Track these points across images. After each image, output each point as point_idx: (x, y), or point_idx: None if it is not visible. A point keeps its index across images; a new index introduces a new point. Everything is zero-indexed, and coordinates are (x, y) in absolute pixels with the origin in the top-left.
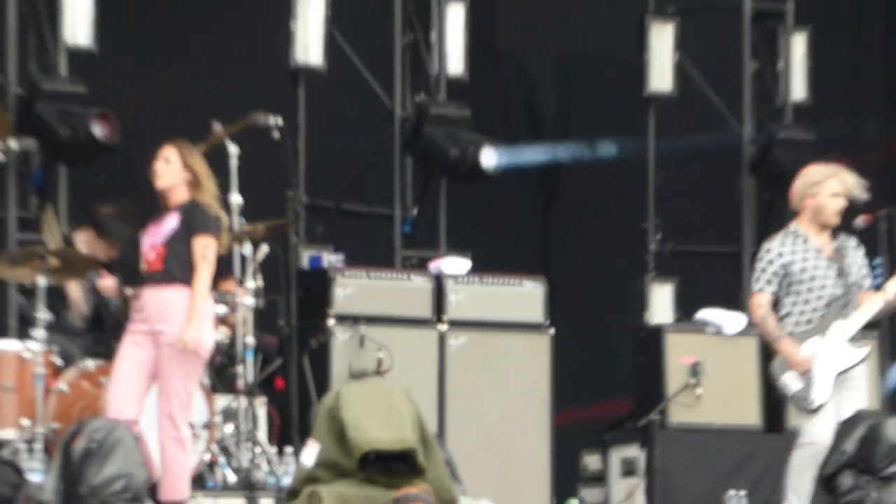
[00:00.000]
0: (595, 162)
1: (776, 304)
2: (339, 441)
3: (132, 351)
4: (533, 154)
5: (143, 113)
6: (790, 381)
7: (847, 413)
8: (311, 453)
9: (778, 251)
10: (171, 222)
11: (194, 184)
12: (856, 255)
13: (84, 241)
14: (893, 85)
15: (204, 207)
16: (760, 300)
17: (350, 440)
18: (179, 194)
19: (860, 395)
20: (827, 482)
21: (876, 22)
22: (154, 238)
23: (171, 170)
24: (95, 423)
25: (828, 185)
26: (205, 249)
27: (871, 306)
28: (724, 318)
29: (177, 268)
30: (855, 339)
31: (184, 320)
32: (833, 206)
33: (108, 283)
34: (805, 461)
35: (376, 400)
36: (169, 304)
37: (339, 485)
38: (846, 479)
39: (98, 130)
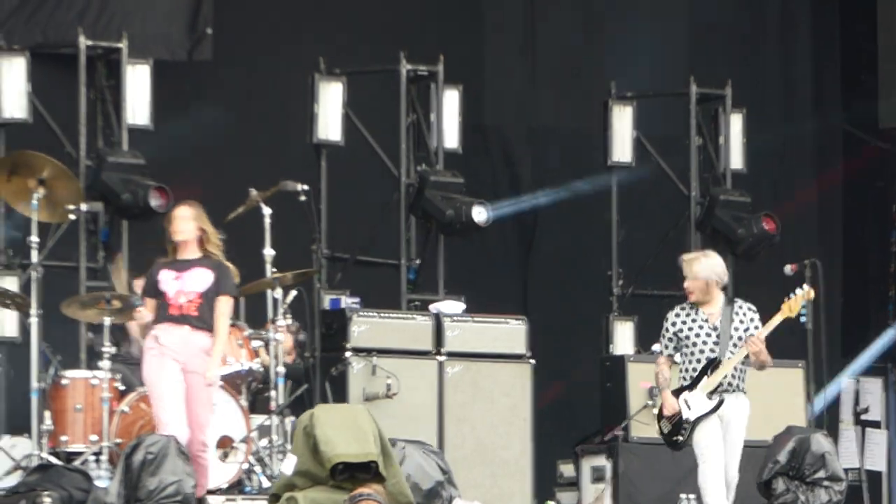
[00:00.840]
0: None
1: None
2: (313, 454)
3: (169, 373)
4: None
5: (191, 180)
6: (663, 427)
7: (729, 441)
8: (289, 464)
9: (672, 321)
10: (203, 275)
11: (205, 238)
12: (744, 318)
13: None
14: (817, 158)
15: (230, 272)
16: (659, 359)
17: (322, 453)
18: (192, 247)
19: (733, 432)
20: (763, 487)
21: (801, 100)
22: (184, 285)
23: (188, 227)
24: (151, 438)
25: (685, 272)
26: (229, 308)
27: (735, 359)
28: None
29: (209, 317)
30: (716, 392)
31: (209, 360)
32: (686, 287)
33: (142, 316)
34: (705, 473)
35: (343, 419)
36: (203, 348)
37: (312, 491)
38: (779, 485)
39: (154, 201)
